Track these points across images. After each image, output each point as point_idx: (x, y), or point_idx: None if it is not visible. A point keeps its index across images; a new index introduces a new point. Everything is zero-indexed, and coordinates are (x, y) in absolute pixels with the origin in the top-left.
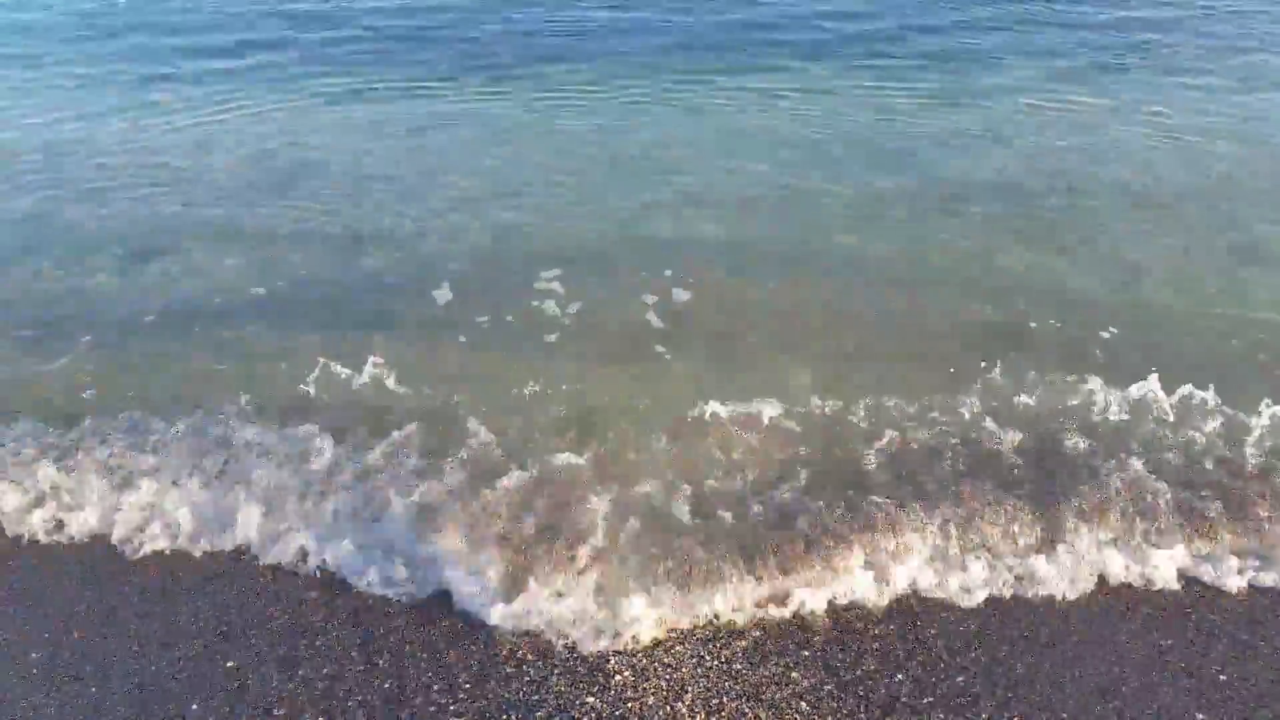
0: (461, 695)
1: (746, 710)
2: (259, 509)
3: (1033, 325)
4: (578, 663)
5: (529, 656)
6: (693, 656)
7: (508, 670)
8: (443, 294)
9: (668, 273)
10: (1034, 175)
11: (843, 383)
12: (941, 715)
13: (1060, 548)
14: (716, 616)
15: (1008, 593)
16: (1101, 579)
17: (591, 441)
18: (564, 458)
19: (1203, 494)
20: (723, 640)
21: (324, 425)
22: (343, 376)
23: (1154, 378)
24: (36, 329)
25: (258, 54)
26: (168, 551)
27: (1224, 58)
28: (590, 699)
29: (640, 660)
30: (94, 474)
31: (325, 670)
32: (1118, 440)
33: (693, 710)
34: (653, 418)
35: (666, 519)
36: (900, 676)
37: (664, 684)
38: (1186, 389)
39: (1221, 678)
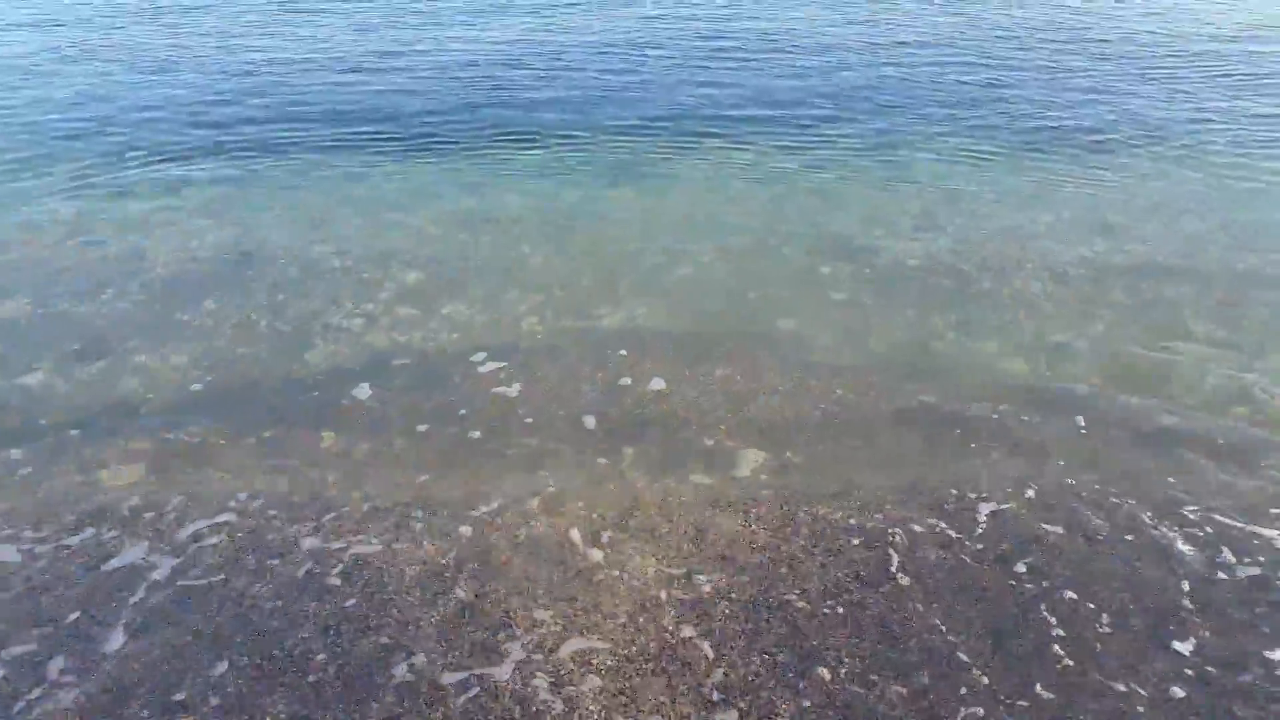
0: None
1: None
2: None
3: (968, 411)
4: None
5: None
6: None
7: None
8: (389, 389)
9: (616, 366)
10: (965, 258)
11: (788, 472)
12: None
13: None
14: None
15: None
16: None
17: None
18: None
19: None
20: None
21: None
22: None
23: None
24: None
25: (200, 143)
26: None
27: (1149, 141)
28: None
29: None
30: None
31: None
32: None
33: None
34: (597, 510)
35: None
36: None
37: None
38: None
39: None
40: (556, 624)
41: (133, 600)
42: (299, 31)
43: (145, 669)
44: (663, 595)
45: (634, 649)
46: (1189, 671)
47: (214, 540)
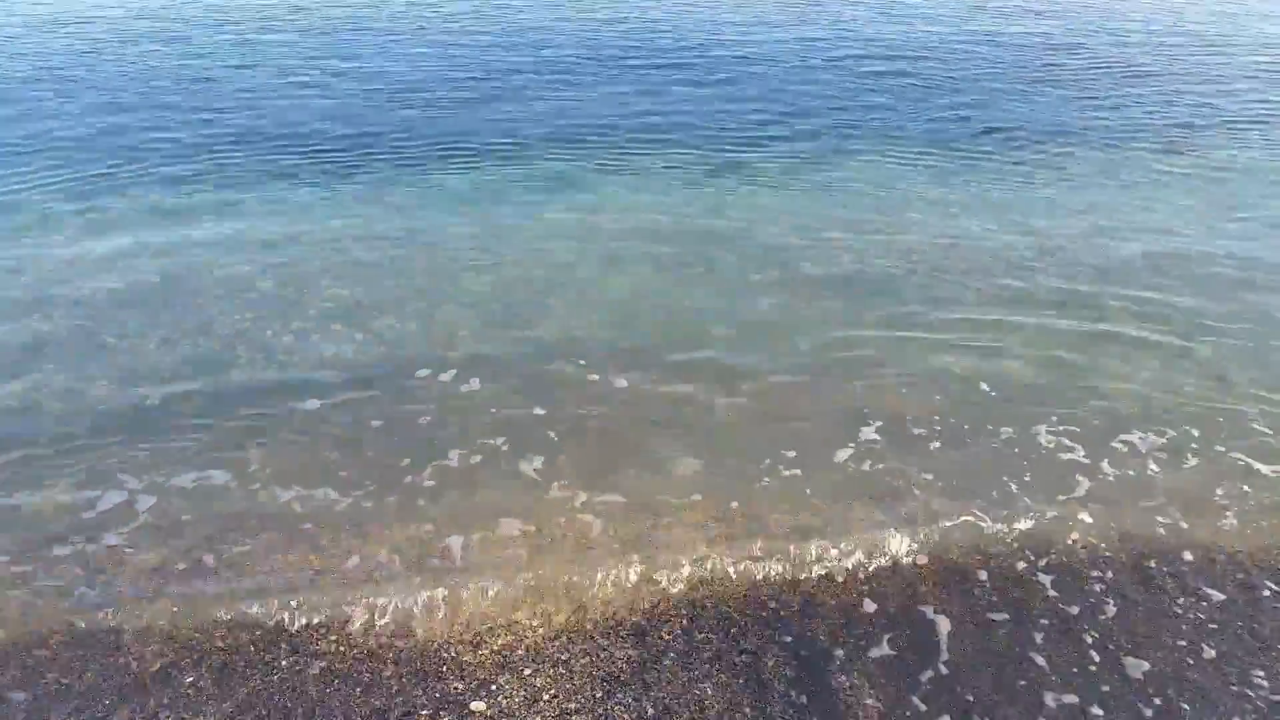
0: None
1: None
2: None
3: (901, 409)
4: None
5: None
6: None
7: None
8: (320, 405)
9: (552, 376)
10: (894, 262)
11: (724, 475)
12: None
13: None
14: None
15: None
16: None
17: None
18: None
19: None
20: None
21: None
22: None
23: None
24: None
25: (124, 164)
26: None
27: (1073, 146)
28: None
29: None
30: None
31: None
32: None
33: None
34: (534, 521)
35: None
36: None
37: None
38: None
39: None
40: (496, 641)
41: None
42: (223, 52)
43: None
44: (599, 601)
45: (564, 658)
46: None
47: (139, 554)
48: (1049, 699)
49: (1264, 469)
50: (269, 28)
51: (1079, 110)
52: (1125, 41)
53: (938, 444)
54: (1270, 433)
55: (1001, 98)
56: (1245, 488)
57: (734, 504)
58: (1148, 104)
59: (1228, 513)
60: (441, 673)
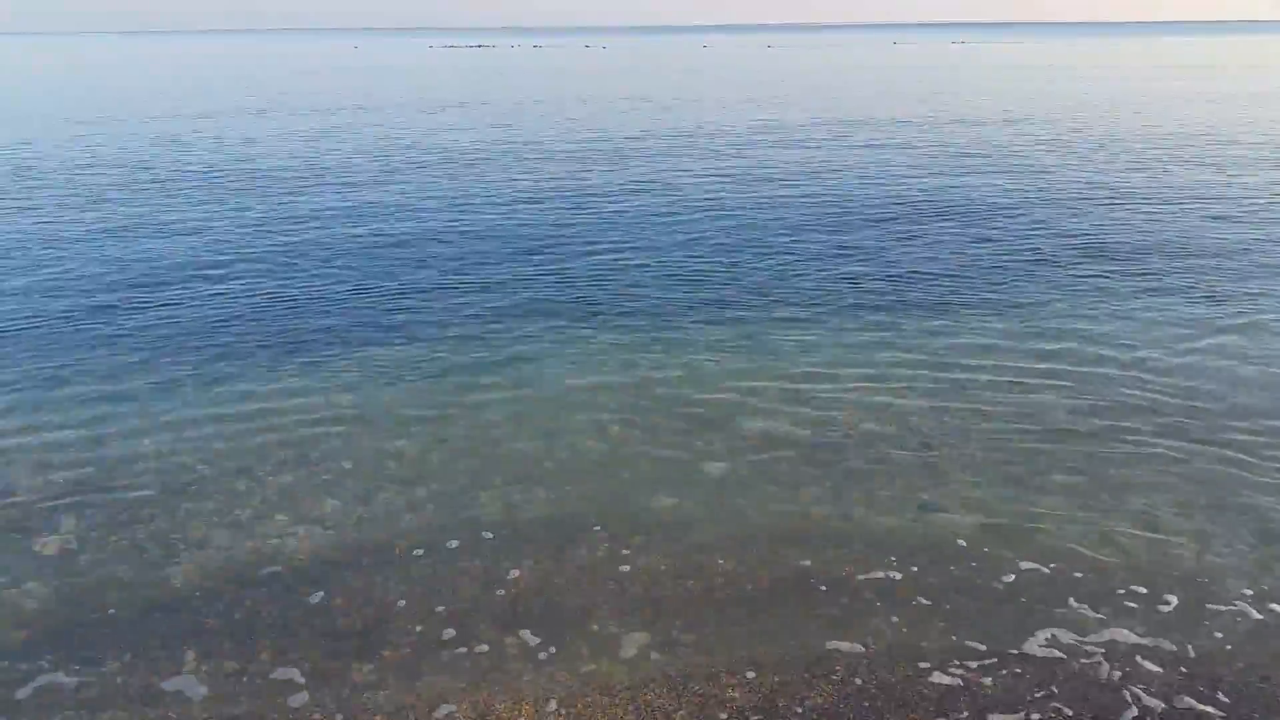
0: None
1: None
2: None
3: (847, 575)
4: None
5: None
6: None
7: None
8: (257, 600)
9: (496, 555)
10: (831, 427)
11: (675, 650)
12: None
13: None
14: None
15: None
16: None
17: None
18: None
19: None
20: None
21: None
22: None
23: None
24: None
25: (54, 357)
26: None
27: (992, 305)
28: None
29: None
30: None
31: None
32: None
33: None
34: (481, 710)
35: None
36: None
37: None
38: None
39: None
40: None
41: None
42: (148, 237)
43: None
44: None
45: None
46: None
47: None
48: None
49: None
50: (190, 209)
51: (997, 269)
52: (1025, 203)
53: (896, 615)
54: None
55: (924, 262)
56: None
57: (688, 680)
58: (1059, 258)
59: None
60: None
